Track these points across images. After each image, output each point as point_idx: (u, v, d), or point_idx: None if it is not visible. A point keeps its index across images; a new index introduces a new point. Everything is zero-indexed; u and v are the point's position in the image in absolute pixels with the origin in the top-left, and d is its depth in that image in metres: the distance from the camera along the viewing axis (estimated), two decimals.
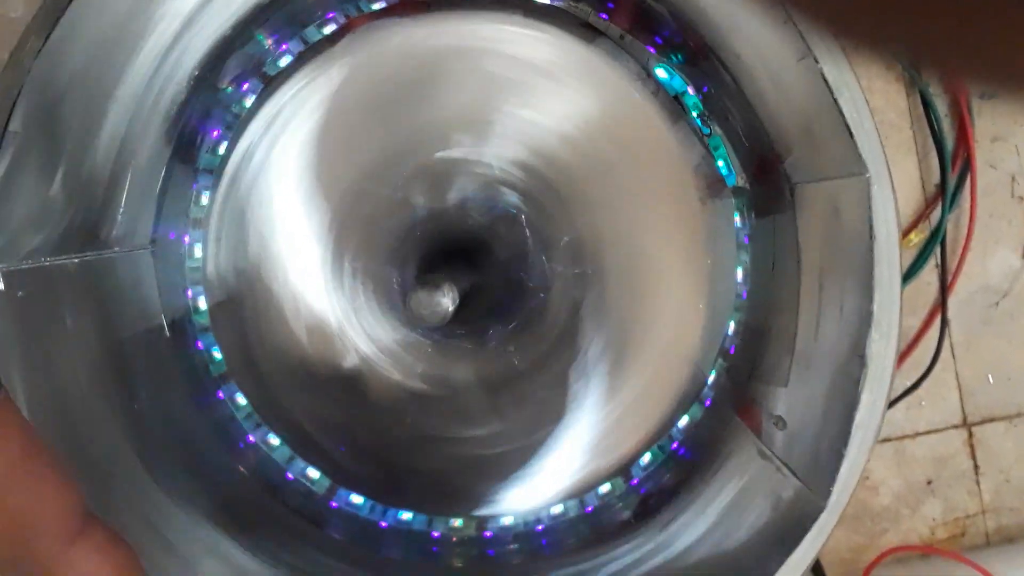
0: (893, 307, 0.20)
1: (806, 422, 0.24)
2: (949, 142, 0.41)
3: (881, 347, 0.20)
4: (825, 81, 0.19)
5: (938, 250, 0.41)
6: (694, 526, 0.29)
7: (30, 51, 0.20)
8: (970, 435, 0.44)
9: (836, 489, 0.21)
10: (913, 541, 0.44)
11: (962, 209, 0.41)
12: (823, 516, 0.21)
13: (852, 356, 0.21)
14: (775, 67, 0.22)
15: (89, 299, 0.28)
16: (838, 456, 0.20)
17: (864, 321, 0.20)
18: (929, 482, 0.45)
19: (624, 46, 0.31)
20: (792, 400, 0.25)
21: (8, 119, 0.20)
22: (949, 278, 0.41)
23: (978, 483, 0.45)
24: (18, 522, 0.17)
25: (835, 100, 0.19)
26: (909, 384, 0.42)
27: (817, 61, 0.19)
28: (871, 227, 0.20)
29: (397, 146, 0.31)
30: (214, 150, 0.31)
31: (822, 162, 0.22)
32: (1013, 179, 0.42)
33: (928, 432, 0.44)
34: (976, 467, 0.44)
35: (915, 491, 0.45)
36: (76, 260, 0.25)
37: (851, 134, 0.19)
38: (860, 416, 0.20)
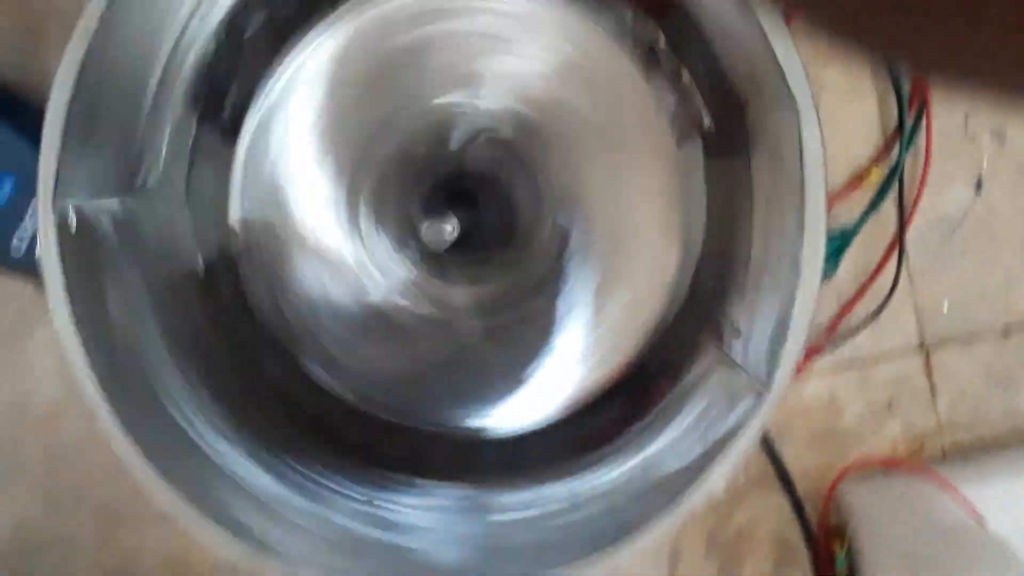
0: (819, 219, 0.24)
1: (755, 328, 0.28)
2: (906, 86, 0.44)
3: (809, 253, 0.24)
4: (762, 29, 0.23)
5: (896, 186, 0.45)
6: (672, 428, 0.33)
7: (92, 15, 0.24)
8: (927, 358, 0.48)
9: (778, 375, 0.25)
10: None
11: (918, 148, 0.45)
12: (768, 396, 0.25)
13: (792, 266, 0.25)
14: (726, 19, 0.25)
15: (132, 242, 0.32)
16: (780, 346, 0.25)
17: (797, 235, 0.24)
18: (890, 404, 0.49)
19: (603, 2, 0.35)
20: (746, 311, 0.29)
21: (78, 77, 0.24)
22: (907, 212, 0.45)
23: (934, 403, 0.49)
24: None
25: (770, 45, 0.23)
26: (871, 310, 0.46)
27: (754, 12, 0.23)
28: (801, 152, 0.23)
29: (400, 97, 0.35)
30: (237, 104, 0.34)
31: (766, 103, 0.26)
32: (966, 118, 0.45)
33: (888, 356, 0.48)
34: (932, 387, 0.48)
35: (876, 412, 0.49)
36: (118, 204, 0.29)
37: (784, 75, 0.23)
38: (795, 312, 0.24)
